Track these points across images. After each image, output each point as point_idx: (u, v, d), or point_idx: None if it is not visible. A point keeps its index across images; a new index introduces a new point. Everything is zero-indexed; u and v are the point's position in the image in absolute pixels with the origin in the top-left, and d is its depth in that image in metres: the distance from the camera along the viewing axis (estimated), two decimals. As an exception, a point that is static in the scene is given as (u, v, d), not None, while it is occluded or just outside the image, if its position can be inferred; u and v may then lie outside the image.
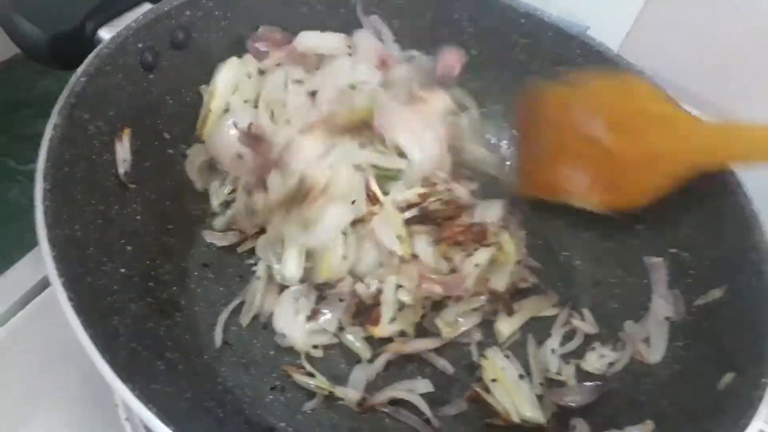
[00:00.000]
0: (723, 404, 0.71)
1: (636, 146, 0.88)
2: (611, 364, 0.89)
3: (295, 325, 0.87)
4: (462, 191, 0.94)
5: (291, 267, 0.88)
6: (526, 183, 1.03)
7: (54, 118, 0.73)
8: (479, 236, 0.92)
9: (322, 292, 0.90)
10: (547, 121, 0.98)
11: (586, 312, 0.96)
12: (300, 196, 0.85)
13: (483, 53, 1.09)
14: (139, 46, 0.87)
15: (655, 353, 0.86)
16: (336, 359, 0.89)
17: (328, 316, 0.88)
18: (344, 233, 0.88)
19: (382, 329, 0.87)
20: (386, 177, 0.91)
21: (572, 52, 1.04)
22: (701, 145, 0.84)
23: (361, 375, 0.86)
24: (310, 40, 1.00)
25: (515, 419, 0.83)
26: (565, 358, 0.92)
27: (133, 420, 0.84)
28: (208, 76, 0.97)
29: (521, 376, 0.87)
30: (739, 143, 0.83)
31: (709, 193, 0.88)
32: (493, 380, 0.86)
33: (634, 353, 0.88)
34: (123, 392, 0.58)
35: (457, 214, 0.92)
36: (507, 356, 0.89)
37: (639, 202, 0.90)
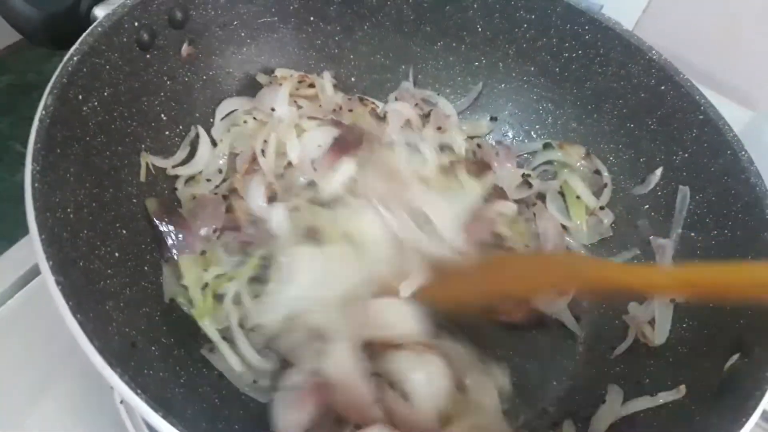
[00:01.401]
0: (729, 385, 0.70)
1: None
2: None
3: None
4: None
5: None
6: None
7: (45, 99, 0.71)
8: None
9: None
10: None
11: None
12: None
13: (488, 30, 1.07)
14: (135, 24, 0.85)
15: (659, 335, 0.84)
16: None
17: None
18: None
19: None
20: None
21: (581, 29, 1.01)
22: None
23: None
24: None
25: None
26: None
27: (127, 404, 0.83)
28: (206, 57, 0.95)
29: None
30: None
31: (718, 171, 0.86)
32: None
33: (639, 335, 0.86)
34: (112, 378, 0.57)
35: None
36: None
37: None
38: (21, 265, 0.97)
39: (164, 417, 0.55)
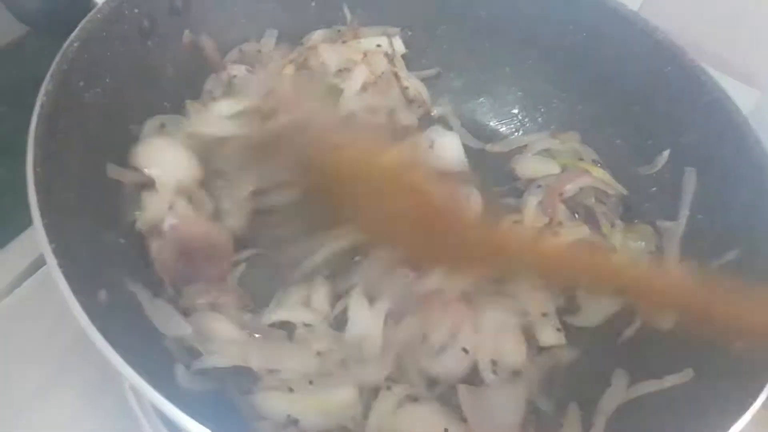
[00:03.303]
0: (736, 368, 0.69)
1: None
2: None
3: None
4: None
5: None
6: None
7: (46, 84, 0.71)
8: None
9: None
10: None
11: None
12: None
13: (490, 14, 1.06)
14: (135, 11, 0.85)
15: (667, 319, 0.82)
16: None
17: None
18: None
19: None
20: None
21: (585, 11, 1.00)
22: None
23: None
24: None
25: None
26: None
27: (136, 391, 0.83)
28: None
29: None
30: None
31: (725, 152, 0.85)
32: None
33: (647, 319, 0.85)
34: (114, 359, 0.57)
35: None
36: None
37: None
38: (28, 254, 0.97)
39: (167, 397, 0.55)
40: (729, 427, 0.61)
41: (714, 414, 0.65)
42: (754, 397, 0.63)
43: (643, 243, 0.93)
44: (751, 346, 0.68)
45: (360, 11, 1.08)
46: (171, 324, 0.74)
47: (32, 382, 0.88)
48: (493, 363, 0.79)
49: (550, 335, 0.84)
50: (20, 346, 0.90)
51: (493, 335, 0.82)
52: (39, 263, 0.96)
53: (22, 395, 0.86)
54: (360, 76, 1.00)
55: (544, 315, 0.86)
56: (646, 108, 0.98)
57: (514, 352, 0.82)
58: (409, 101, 1.07)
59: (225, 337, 0.77)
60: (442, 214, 0.79)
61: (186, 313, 0.78)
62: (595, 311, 0.89)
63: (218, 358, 0.74)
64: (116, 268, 0.75)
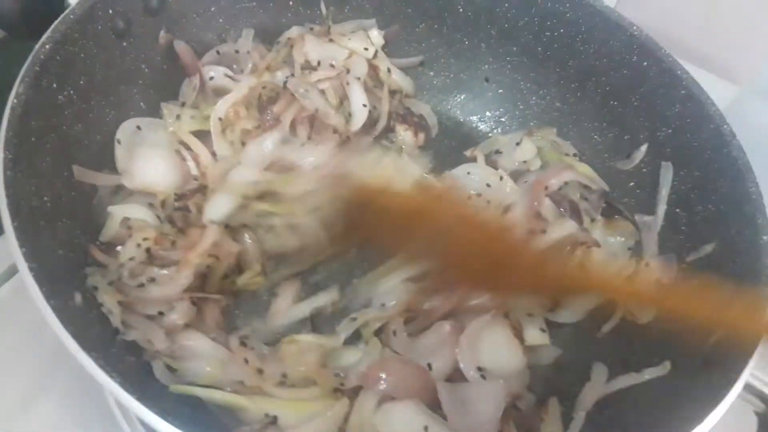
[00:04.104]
0: (713, 359, 0.70)
1: None
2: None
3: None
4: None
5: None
6: None
7: (17, 86, 0.70)
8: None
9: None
10: None
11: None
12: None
13: (470, 10, 1.06)
14: (109, 12, 0.84)
15: (646, 313, 0.83)
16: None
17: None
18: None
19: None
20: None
21: (562, 7, 1.00)
22: None
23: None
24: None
25: None
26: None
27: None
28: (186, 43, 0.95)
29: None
30: None
31: (701, 146, 0.86)
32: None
33: (626, 313, 0.85)
34: (87, 363, 0.56)
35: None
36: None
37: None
38: (3, 260, 0.95)
39: (139, 400, 0.54)
40: (704, 418, 0.62)
41: (691, 405, 0.66)
42: (730, 387, 0.64)
43: (623, 238, 0.94)
44: (726, 340, 0.68)
45: (335, 8, 1.08)
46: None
47: (13, 391, 0.86)
48: (480, 369, 0.79)
49: (535, 335, 0.84)
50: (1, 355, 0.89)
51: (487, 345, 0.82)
52: (13, 270, 0.95)
53: (3, 405, 0.85)
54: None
55: (530, 315, 0.86)
56: (623, 103, 0.99)
57: (508, 361, 0.82)
58: (391, 93, 1.07)
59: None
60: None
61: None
62: (575, 308, 0.89)
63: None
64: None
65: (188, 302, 0.77)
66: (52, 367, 0.88)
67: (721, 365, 0.67)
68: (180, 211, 0.84)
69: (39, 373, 0.88)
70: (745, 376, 0.64)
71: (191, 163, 0.88)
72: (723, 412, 0.63)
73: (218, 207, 0.85)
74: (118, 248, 0.79)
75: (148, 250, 0.78)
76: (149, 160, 0.86)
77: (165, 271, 0.77)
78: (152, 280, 0.76)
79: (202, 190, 0.87)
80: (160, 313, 0.75)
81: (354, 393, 0.76)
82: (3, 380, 0.87)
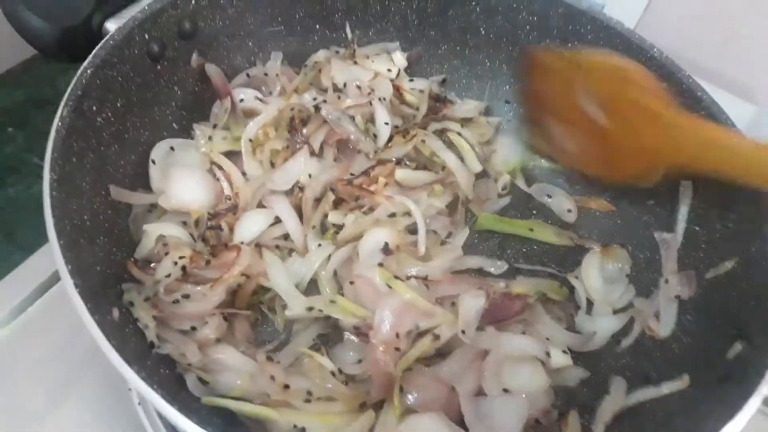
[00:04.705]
0: (732, 373, 0.71)
1: (625, 135, 0.87)
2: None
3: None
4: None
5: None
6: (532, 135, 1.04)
7: (61, 110, 0.74)
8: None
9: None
10: (549, 86, 0.97)
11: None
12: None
13: (491, 32, 1.09)
14: (146, 37, 0.88)
15: (664, 327, 0.85)
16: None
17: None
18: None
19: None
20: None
21: (583, 29, 1.02)
22: (688, 151, 0.82)
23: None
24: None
25: None
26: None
27: (145, 405, 0.86)
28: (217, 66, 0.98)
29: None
30: (728, 157, 0.79)
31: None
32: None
33: (645, 328, 0.87)
34: (129, 376, 0.59)
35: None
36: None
37: (630, 181, 0.90)
38: (41, 273, 1.00)
39: (180, 410, 0.57)
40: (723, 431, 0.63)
41: (710, 418, 0.66)
42: (748, 399, 0.65)
43: (619, 265, 0.97)
44: (747, 352, 0.70)
45: (360, 32, 1.11)
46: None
47: (43, 396, 0.91)
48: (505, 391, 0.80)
49: (558, 357, 0.86)
50: (32, 361, 0.93)
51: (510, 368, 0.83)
52: (51, 282, 0.99)
53: (33, 408, 0.89)
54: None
55: (548, 339, 0.87)
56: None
57: (532, 383, 0.83)
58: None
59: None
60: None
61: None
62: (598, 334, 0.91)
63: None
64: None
65: (220, 317, 0.79)
66: (78, 374, 0.92)
67: (740, 379, 0.69)
68: (212, 229, 0.87)
69: (66, 378, 0.92)
70: (764, 390, 0.65)
71: (224, 183, 0.92)
72: (742, 425, 0.64)
73: (248, 228, 0.88)
74: (153, 265, 0.82)
75: (183, 268, 0.80)
76: (183, 180, 0.89)
77: (199, 288, 0.79)
78: (187, 296, 0.78)
79: (234, 209, 0.90)
80: (193, 328, 0.78)
81: (379, 405, 0.78)
82: (32, 385, 0.92)
